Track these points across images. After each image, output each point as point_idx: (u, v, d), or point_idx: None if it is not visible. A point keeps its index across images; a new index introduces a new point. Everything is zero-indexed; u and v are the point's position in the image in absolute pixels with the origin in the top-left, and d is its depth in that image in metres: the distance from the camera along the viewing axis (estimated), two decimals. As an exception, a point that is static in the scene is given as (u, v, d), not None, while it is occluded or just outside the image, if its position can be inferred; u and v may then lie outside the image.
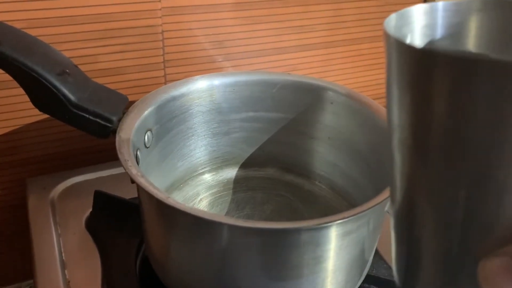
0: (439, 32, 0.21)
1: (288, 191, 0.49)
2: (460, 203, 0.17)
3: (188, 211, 0.30)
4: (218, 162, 0.50)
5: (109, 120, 0.39)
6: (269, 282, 0.33)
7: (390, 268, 0.44)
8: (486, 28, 0.21)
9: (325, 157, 0.48)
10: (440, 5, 0.20)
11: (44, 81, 0.36)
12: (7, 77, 0.39)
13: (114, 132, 0.38)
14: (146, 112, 0.40)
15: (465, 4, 0.20)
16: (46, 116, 0.51)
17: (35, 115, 0.51)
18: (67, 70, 0.38)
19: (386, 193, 0.32)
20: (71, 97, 0.37)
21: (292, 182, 0.50)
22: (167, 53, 0.55)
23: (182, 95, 0.44)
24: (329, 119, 0.47)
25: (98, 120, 0.38)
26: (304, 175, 0.50)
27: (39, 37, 0.40)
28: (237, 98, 0.47)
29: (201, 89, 0.46)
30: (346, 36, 0.65)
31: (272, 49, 0.61)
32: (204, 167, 0.49)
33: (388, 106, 0.19)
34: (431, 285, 0.20)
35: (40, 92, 0.37)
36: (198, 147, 0.48)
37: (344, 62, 0.68)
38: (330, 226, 0.31)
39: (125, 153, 0.34)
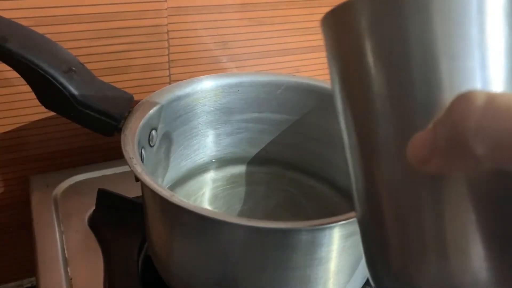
0: None
1: (291, 186, 0.50)
2: None
3: (193, 209, 0.30)
4: (222, 162, 0.50)
5: (114, 118, 0.39)
6: (271, 282, 0.33)
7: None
8: None
9: (329, 159, 0.48)
10: None
11: (50, 78, 0.36)
12: (13, 74, 0.39)
13: (119, 130, 0.38)
14: (151, 111, 0.40)
15: None
16: (50, 113, 0.52)
17: (39, 112, 0.52)
18: (73, 68, 0.38)
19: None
20: (77, 94, 0.37)
21: (295, 178, 0.50)
22: (172, 53, 0.55)
23: (187, 95, 0.44)
24: (333, 121, 0.47)
25: (103, 118, 0.38)
26: (307, 174, 0.50)
27: (46, 35, 0.40)
28: (241, 99, 0.47)
29: (206, 89, 0.46)
30: (350, 39, 0.65)
31: (276, 50, 0.61)
32: (208, 167, 0.49)
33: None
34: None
35: (46, 89, 0.37)
36: (202, 147, 0.48)
37: (348, 64, 0.68)
38: (334, 227, 0.31)
39: (130, 151, 0.34)
